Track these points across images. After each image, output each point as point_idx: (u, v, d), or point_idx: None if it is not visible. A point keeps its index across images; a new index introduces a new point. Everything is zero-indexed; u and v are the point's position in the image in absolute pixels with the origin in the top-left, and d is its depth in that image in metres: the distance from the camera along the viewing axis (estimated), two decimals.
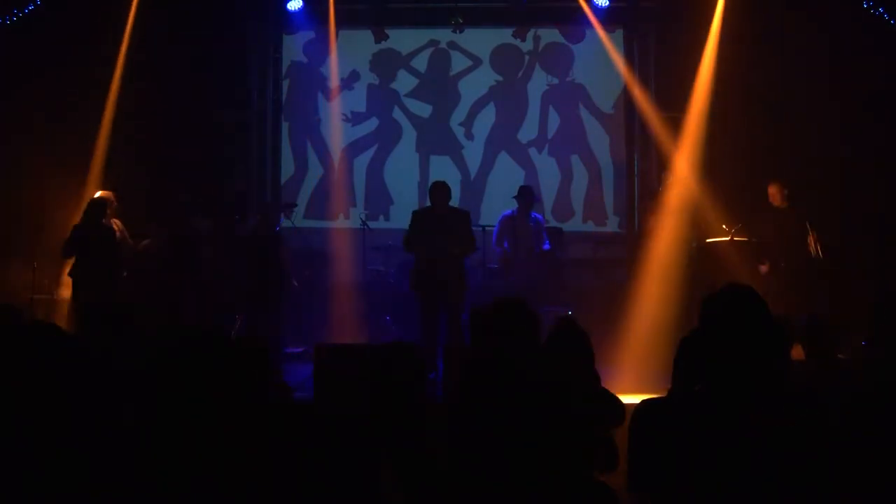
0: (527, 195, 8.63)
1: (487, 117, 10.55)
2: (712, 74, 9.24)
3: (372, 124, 10.62)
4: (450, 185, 7.90)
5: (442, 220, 7.68)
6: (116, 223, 8.24)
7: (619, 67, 10.27)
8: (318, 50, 10.58)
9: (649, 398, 2.52)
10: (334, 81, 10.48)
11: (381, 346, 3.95)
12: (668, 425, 2.31)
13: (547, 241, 8.73)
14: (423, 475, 2.77)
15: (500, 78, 10.59)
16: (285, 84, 10.66)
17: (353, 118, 10.61)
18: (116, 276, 7.90)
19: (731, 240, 8.06)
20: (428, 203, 7.88)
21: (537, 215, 8.81)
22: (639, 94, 9.91)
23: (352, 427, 2.63)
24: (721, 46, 9.25)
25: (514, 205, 8.67)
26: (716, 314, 2.34)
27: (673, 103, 10.00)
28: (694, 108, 9.24)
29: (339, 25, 10.49)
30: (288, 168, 10.61)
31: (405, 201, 10.17)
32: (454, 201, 8.33)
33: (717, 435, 2.21)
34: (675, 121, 9.95)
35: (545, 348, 3.36)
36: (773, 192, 8.10)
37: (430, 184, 7.98)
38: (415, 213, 7.93)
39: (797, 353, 3.81)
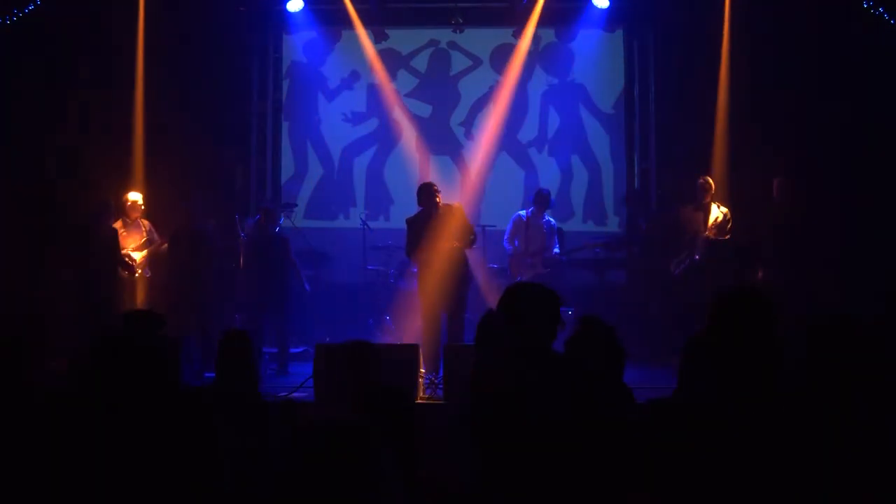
0: (543, 198, 8.66)
1: (487, 117, 10.55)
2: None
3: (372, 124, 10.62)
4: (449, 184, 7.91)
5: (437, 219, 7.68)
6: (144, 223, 8.43)
7: (619, 67, 10.31)
8: (319, 50, 10.58)
9: (655, 398, 2.52)
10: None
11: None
12: (674, 425, 2.31)
13: (557, 245, 8.76)
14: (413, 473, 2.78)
15: (500, 78, 10.58)
16: (285, 84, 10.65)
17: (353, 118, 10.61)
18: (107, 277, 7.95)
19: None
20: (420, 207, 7.88)
21: (549, 219, 8.82)
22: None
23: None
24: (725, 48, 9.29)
25: (520, 205, 8.69)
26: (724, 315, 2.35)
27: (673, 103, 10.03)
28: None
29: (338, 25, 10.50)
30: (288, 168, 10.60)
31: (405, 201, 10.13)
32: (454, 201, 8.32)
33: (722, 435, 2.21)
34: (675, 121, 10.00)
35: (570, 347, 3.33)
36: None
37: (418, 188, 7.95)
38: (409, 220, 7.92)
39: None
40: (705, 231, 8.38)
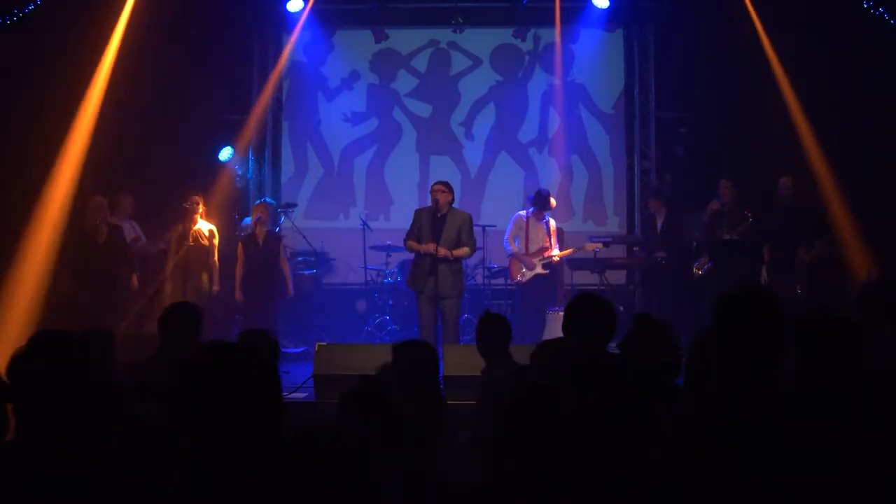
0: (543, 199, 8.67)
1: (487, 117, 10.55)
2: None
3: (372, 124, 10.62)
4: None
5: (443, 220, 7.65)
6: (133, 224, 8.43)
7: (619, 67, 10.34)
8: (318, 50, 10.58)
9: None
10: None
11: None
12: (678, 423, 2.31)
13: (558, 245, 8.76)
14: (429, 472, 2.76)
15: (500, 78, 10.59)
16: (285, 84, 10.65)
17: (353, 118, 10.61)
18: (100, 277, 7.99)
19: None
20: (429, 203, 7.84)
21: (549, 219, 8.82)
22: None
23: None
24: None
25: (520, 205, 8.68)
26: (730, 313, 2.34)
27: (673, 103, 10.04)
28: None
29: (339, 25, 10.51)
30: (288, 168, 10.60)
31: (405, 201, 10.17)
32: (454, 201, 8.29)
33: (727, 433, 2.20)
34: (675, 121, 10.00)
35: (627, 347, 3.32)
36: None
37: (432, 183, 7.89)
38: (417, 211, 7.89)
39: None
40: (731, 234, 8.41)
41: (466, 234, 7.65)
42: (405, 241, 7.79)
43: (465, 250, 7.64)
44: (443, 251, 7.50)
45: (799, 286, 8.10)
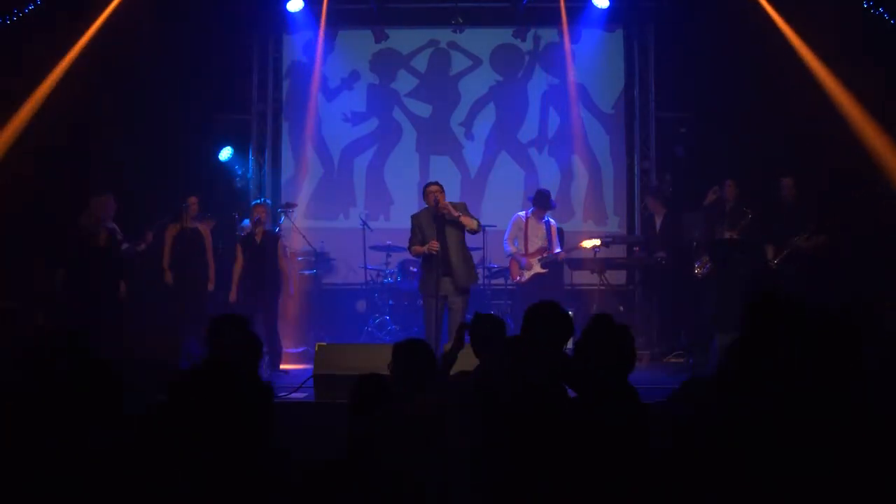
0: (543, 199, 8.66)
1: (487, 117, 10.55)
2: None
3: (372, 124, 10.61)
4: (449, 184, 7.85)
5: (441, 217, 7.63)
6: (115, 227, 8.41)
7: (619, 67, 10.34)
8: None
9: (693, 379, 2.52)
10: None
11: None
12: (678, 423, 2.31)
13: (559, 245, 8.76)
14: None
15: (500, 78, 10.58)
16: (285, 84, 10.65)
17: (353, 118, 10.60)
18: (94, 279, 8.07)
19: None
20: (424, 205, 7.82)
21: (549, 219, 8.81)
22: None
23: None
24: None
25: (520, 205, 8.67)
26: (761, 317, 2.35)
27: (673, 103, 10.04)
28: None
29: (339, 25, 10.50)
30: (288, 168, 10.60)
31: (405, 201, 10.16)
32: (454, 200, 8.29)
33: (727, 433, 2.21)
34: (675, 121, 10.00)
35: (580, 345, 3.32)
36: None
37: (424, 185, 7.87)
38: (414, 216, 7.86)
39: None
40: (731, 232, 8.42)
41: (467, 213, 7.56)
42: (410, 248, 7.74)
43: (474, 221, 7.53)
44: (454, 213, 7.36)
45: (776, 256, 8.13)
